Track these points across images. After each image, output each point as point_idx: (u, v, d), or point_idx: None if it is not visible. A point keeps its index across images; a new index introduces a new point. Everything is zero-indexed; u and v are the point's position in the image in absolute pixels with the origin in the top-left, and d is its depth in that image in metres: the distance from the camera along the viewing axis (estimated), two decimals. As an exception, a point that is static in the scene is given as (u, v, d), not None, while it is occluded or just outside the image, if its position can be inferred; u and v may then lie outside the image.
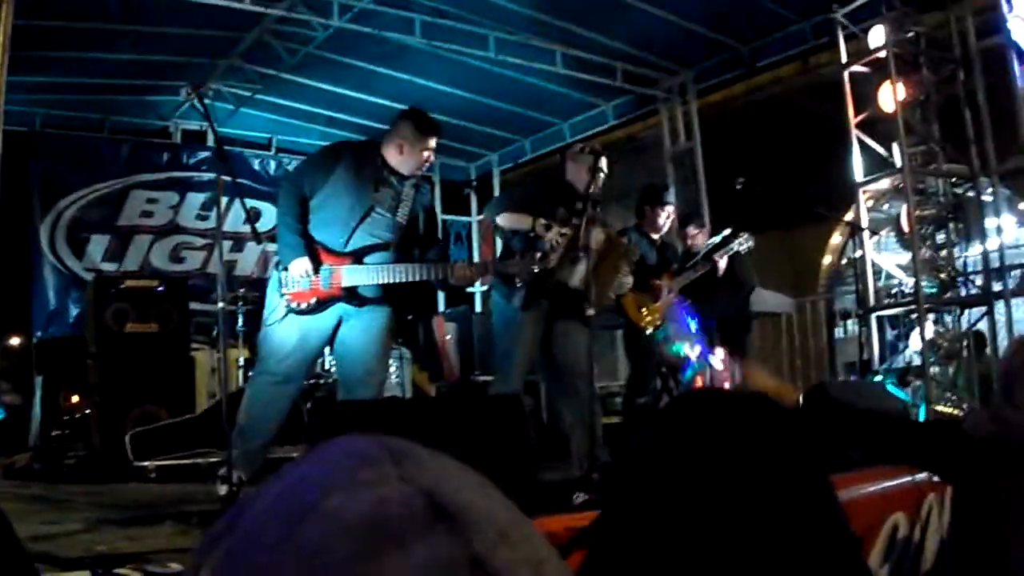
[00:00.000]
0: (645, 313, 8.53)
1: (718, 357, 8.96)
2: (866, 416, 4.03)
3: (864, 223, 10.33)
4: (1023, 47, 9.51)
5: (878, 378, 9.86)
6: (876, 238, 10.62)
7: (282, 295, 6.18)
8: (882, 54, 9.88)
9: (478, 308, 14.95)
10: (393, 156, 6.39)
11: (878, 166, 10.25)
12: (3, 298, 6.71)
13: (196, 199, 14.06)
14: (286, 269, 6.15)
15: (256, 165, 14.39)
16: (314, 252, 6.17)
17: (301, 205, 6.23)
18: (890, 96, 9.83)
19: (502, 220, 7.10)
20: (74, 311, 13.07)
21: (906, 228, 10.11)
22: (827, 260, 14.14)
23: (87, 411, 9.91)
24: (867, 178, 10.32)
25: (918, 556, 4.94)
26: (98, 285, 9.76)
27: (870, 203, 10.78)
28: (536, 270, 6.58)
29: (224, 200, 6.40)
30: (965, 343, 10.15)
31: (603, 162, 7.14)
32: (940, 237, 10.37)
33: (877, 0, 9.94)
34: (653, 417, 1.62)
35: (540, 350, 7.20)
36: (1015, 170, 9.93)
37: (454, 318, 12.49)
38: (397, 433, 0.76)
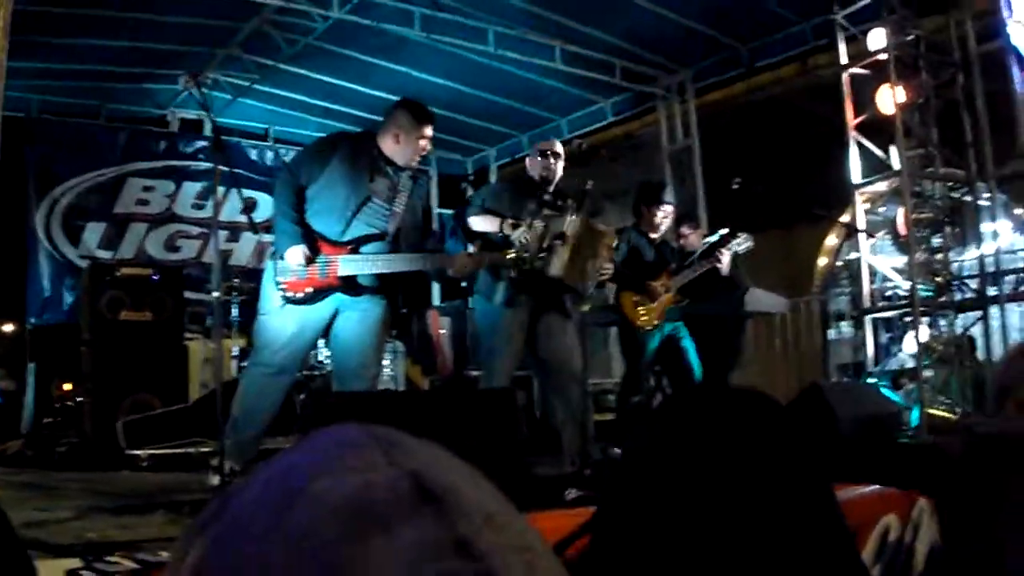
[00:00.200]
0: (642, 312, 8.54)
1: None
2: (848, 443, 4.04)
3: (861, 225, 10.33)
4: (1022, 52, 9.51)
5: (872, 380, 9.87)
6: (872, 240, 10.62)
7: (278, 284, 6.17)
8: (882, 57, 9.88)
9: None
10: (389, 146, 6.40)
11: (876, 168, 10.26)
12: (-3, 284, 6.74)
13: (192, 188, 14.05)
14: (282, 258, 6.14)
15: (253, 155, 14.39)
16: (311, 241, 6.17)
17: (297, 195, 6.23)
18: (889, 99, 9.83)
19: (473, 225, 7.13)
20: (68, 298, 13.06)
21: (903, 231, 10.11)
22: (823, 261, 14.16)
23: (80, 399, 9.89)
24: (864, 180, 10.32)
25: (909, 559, 4.94)
26: (93, 272, 9.75)
27: (867, 205, 10.78)
28: (528, 255, 6.63)
29: (221, 190, 6.39)
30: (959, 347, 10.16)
31: (556, 147, 7.37)
32: (936, 241, 10.37)
33: (877, 2, 9.94)
34: (649, 414, 1.62)
35: (528, 347, 7.22)
36: (1012, 175, 9.94)
37: (448, 312, 12.48)
38: (389, 425, 0.76)
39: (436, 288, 14.91)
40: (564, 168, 7.34)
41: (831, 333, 13.98)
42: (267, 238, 6.44)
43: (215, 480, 5.92)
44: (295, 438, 8.38)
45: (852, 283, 11.00)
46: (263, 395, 6.21)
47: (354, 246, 6.23)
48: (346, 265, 6.19)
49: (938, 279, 10.22)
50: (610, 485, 1.54)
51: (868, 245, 10.53)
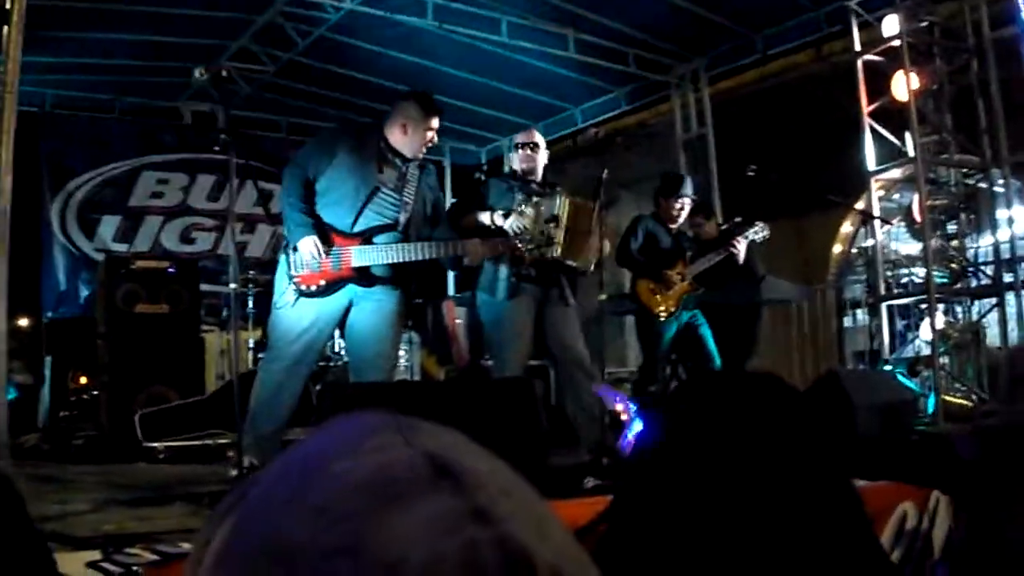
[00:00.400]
0: (659, 300, 8.57)
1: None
2: (863, 441, 4.04)
3: (876, 212, 10.31)
4: (1037, 38, 9.49)
5: (888, 368, 9.86)
6: (887, 228, 10.60)
7: (291, 278, 6.18)
8: (896, 43, 9.85)
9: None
10: (396, 137, 6.42)
11: (890, 155, 10.23)
12: (13, 278, 6.72)
13: (207, 180, 14.10)
14: (295, 250, 6.15)
15: (267, 147, 14.41)
16: (323, 233, 6.18)
17: (306, 187, 6.25)
18: (903, 85, 9.81)
19: (466, 224, 7.15)
20: (84, 292, 13.12)
21: (918, 218, 10.09)
22: (837, 249, 14.11)
23: (96, 392, 9.93)
24: (879, 167, 10.30)
25: (927, 546, 4.93)
26: (109, 266, 9.76)
27: (881, 192, 10.77)
28: (528, 240, 6.68)
29: (235, 182, 6.39)
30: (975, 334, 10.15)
31: (535, 138, 7.44)
32: (951, 227, 10.36)
33: (891, -12, 9.93)
34: (664, 400, 1.62)
35: (538, 338, 7.25)
36: (1027, 161, 9.92)
37: (464, 302, 12.48)
38: (407, 416, 0.77)
39: (451, 278, 14.92)
40: (578, 157, 7.38)
41: (846, 321, 13.97)
42: (283, 230, 6.45)
43: (233, 472, 5.94)
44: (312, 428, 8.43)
45: (867, 270, 10.97)
46: (282, 388, 6.21)
47: (366, 237, 6.24)
48: (359, 256, 6.20)
49: (953, 266, 10.22)
50: (627, 472, 1.55)
51: (883, 232, 10.52)
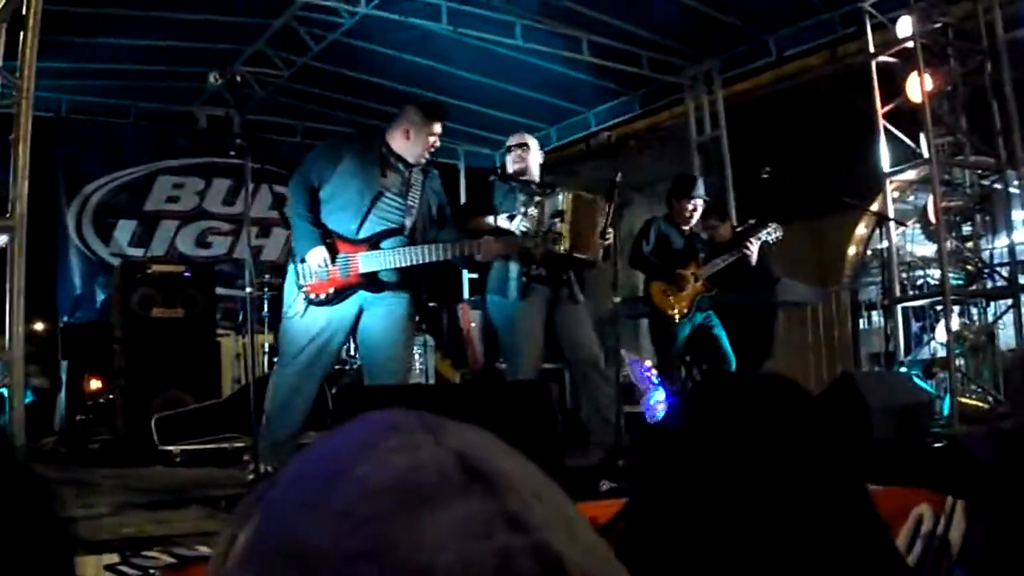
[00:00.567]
0: (672, 302, 8.58)
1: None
2: (877, 446, 4.03)
3: (891, 214, 10.29)
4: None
5: (903, 370, 9.84)
6: (902, 229, 10.57)
7: (300, 287, 6.21)
8: (910, 44, 9.82)
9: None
10: (399, 142, 6.46)
11: (905, 157, 10.20)
12: (29, 283, 6.74)
13: (222, 184, 14.13)
14: (303, 261, 6.18)
15: (282, 151, 14.41)
16: (330, 242, 6.20)
17: (311, 196, 6.29)
18: (917, 87, 9.78)
19: (473, 227, 7.17)
20: (100, 296, 13.16)
21: (932, 219, 10.06)
22: (852, 251, 14.08)
23: (112, 396, 9.95)
24: (894, 168, 10.27)
25: (943, 547, 4.92)
26: (125, 270, 9.78)
27: (896, 194, 10.74)
28: (537, 239, 6.72)
29: (251, 186, 6.42)
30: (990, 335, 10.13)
31: (525, 139, 7.57)
32: (966, 229, 10.34)
33: (905, -10, 9.91)
34: (678, 401, 1.63)
35: (551, 340, 7.27)
36: (1042, 162, 9.89)
37: (479, 306, 12.47)
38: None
39: (466, 282, 14.92)
40: (591, 160, 7.42)
41: (862, 322, 13.94)
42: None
43: (250, 476, 5.95)
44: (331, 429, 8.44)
45: (882, 272, 10.95)
46: (296, 393, 6.24)
47: (372, 242, 6.26)
48: (367, 261, 6.22)
49: (969, 267, 10.19)
50: (642, 472, 1.55)
51: (898, 234, 10.50)
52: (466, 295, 14.57)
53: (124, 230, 13.62)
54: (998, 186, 10.17)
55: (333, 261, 6.16)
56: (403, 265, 6.27)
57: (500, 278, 7.13)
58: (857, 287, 13.93)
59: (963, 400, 9.22)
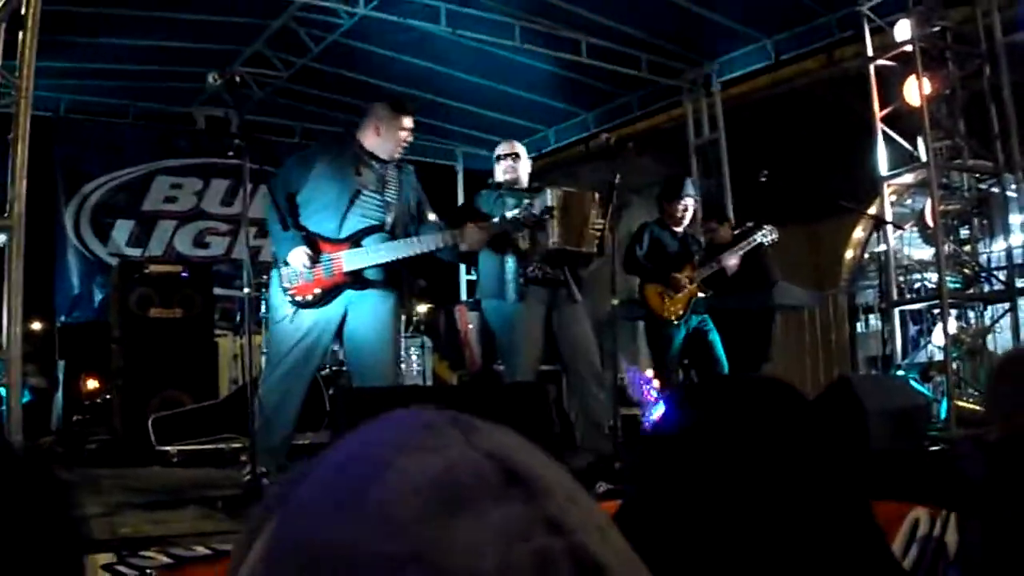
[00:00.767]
0: (668, 304, 8.58)
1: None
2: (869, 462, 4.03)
3: (888, 217, 10.30)
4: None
5: (900, 373, 9.85)
6: (900, 233, 10.59)
7: (285, 291, 6.21)
8: (908, 48, 9.83)
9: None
10: (371, 140, 6.50)
11: (903, 160, 10.21)
12: (27, 283, 6.75)
13: (220, 185, 14.14)
14: (286, 263, 6.19)
15: (281, 152, 14.39)
16: (312, 244, 6.21)
17: (288, 201, 6.31)
18: (915, 90, 9.79)
19: None
20: (98, 296, 13.16)
21: (930, 223, 10.07)
22: (850, 254, 14.09)
23: (109, 396, 9.95)
24: (892, 172, 10.27)
25: (940, 549, 4.93)
26: (123, 270, 9.78)
27: (894, 197, 10.74)
28: (535, 214, 6.76)
29: (249, 186, 6.42)
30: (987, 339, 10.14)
31: (516, 148, 7.59)
32: (964, 232, 10.35)
33: (903, -6, 9.92)
34: (673, 403, 1.62)
35: (549, 344, 7.28)
36: (1040, 166, 9.90)
37: (476, 307, 12.48)
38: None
39: (463, 283, 14.92)
40: (591, 162, 7.43)
41: (859, 326, 13.95)
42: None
43: (246, 476, 5.95)
44: (326, 433, 8.40)
45: (880, 276, 10.97)
46: (286, 396, 6.23)
47: (354, 240, 6.27)
48: (350, 259, 6.23)
49: (966, 271, 10.20)
50: (635, 475, 1.56)
51: (895, 237, 10.51)
52: (464, 297, 14.58)
53: (122, 230, 13.63)
54: (996, 190, 10.19)
55: (317, 260, 6.17)
56: (387, 260, 6.28)
57: (497, 281, 7.14)
58: (854, 290, 13.94)
59: (960, 404, 9.22)
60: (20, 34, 7.14)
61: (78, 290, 13.32)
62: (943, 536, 5.04)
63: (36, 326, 12.82)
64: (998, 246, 10.60)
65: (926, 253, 11.19)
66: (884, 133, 10.21)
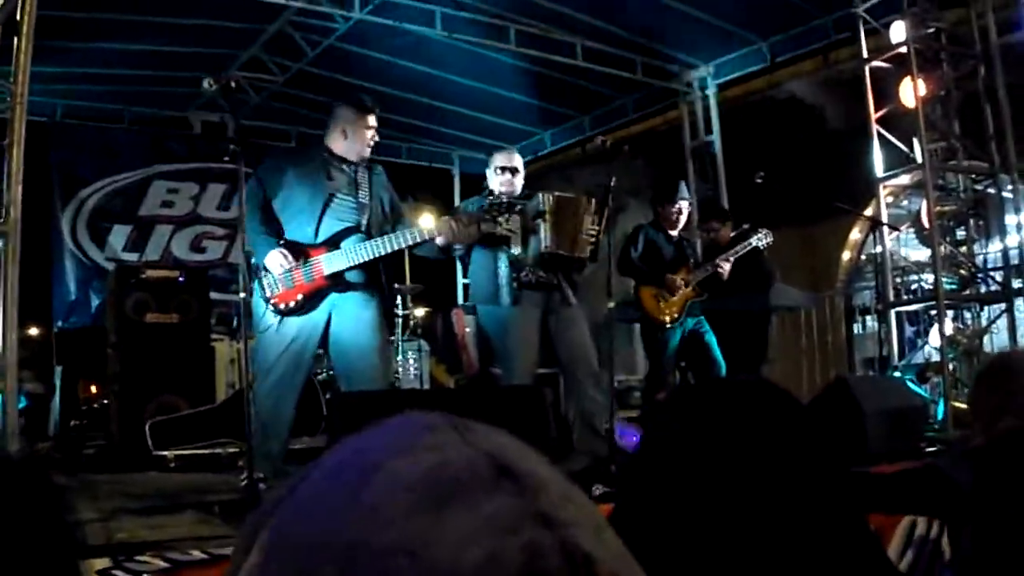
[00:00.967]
0: (663, 307, 8.58)
1: None
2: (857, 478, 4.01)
3: (884, 218, 10.30)
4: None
5: (897, 374, 9.86)
6: (896, 234, 10.59)
7: (268, 300, 6.20)
8: (903, 50, 9.84)
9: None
10: (338, 144, 6.51)
11: (898, 161, 10.22)
12: (24, 288, 6.74)
13: (217, 189, 14.15)
14: (266, 270, 6.18)
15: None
16: (290, 248, 6.21)
17: (263, 210, 6.32)
18: (911, 92, 9.80)
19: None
20: (95, 301, 13.16)
21: (926, 224, 10.08)
22: (846, 255, 14.11)
23: (106, 401, 9.94)
24: (887, 173, 10.28)
25: (936, 550, 4.93)
26: (119, 275, 9.75)
27: (890, 199, 10.74)
28: (513, 202, 6.77)
29: (245, 191, 6.42)
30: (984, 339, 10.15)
31: (515, 162, 7.50)
32: (960, 233, 10.36)
33: (898, -4, 9.94)
34: (661, 407, 1.62)
35: (546, 349, 7.27)
36: (1035, 166, 9.92)
37: (473, 311, 12.48)
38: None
39: (460, 287, 14.92)
40: (588, 165, 7.42)
41: (856, 327, 13.95)
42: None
43: (243, 480, 5.95)
44: (323, 438, 8.39)
45: (876, 277, 10.98)
46: (279, 403, 6.22)
47: (332, 242, 6.27)
48: (330, 262, 6.23)
49: (962, 272, 10.21)
50: (628, 479, 1.56)
51: (892, 238, 10.51)
52: (460, 300, 14.58)
53: (119, 235, 13.62)
54: (991, 191, 10.21)
55: (295, 259, 6.17)
56: (367, 259, 6.26)
57: (490, 288, 7.13)
58: (851, 292, 13.96)
59: (957, 404, 9.22)
60: (15, 39, 7.13)
61: (75, 295, 13.31)
62: (940, 537, 5.04)
63: (33, 331, 12.84)
64: (994, 247, 10.62)
65: (922, 254, 11.20)
66: (880, 134, 10.22)
